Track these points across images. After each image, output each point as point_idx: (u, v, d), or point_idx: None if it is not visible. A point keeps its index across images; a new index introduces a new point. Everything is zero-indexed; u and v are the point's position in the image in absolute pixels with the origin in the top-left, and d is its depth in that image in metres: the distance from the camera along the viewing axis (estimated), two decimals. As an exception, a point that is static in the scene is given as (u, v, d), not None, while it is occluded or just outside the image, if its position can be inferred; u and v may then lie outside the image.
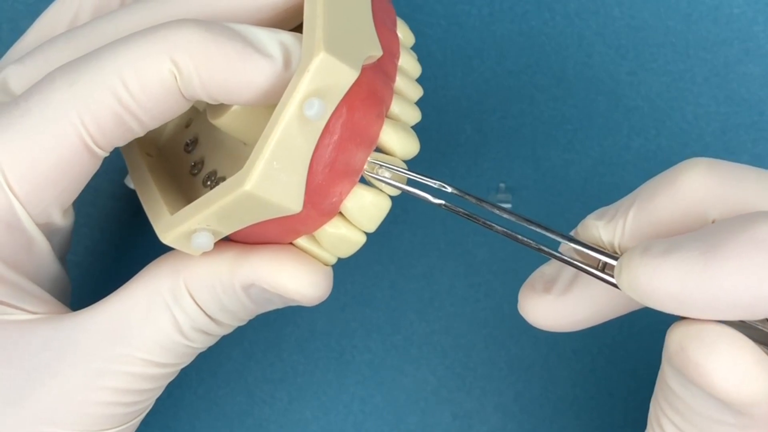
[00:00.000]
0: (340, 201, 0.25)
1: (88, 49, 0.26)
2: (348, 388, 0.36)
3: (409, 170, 0.25)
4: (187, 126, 0.31)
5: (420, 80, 0.28)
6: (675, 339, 0.21)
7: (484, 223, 0.25)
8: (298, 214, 0.24)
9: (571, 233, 0.25)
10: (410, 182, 0.25)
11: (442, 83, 0.38)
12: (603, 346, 0.35)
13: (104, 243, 0.37)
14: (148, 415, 0.29)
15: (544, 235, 0.24)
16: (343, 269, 0.30)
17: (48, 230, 0.27)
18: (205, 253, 0.26)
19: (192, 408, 0.36)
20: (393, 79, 0.26)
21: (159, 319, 0.26)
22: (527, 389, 0.35)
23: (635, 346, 0.35)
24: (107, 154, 0.25)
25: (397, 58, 0.27)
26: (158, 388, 0.27)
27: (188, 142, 0.30)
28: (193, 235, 0.24)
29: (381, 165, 0.25)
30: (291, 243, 0.26)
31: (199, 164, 0.29)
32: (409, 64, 0.27)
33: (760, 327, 0.22)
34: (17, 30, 0.39)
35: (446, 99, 0.38)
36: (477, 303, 0.36)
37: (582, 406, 0.35)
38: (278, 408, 0.35)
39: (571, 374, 0.35)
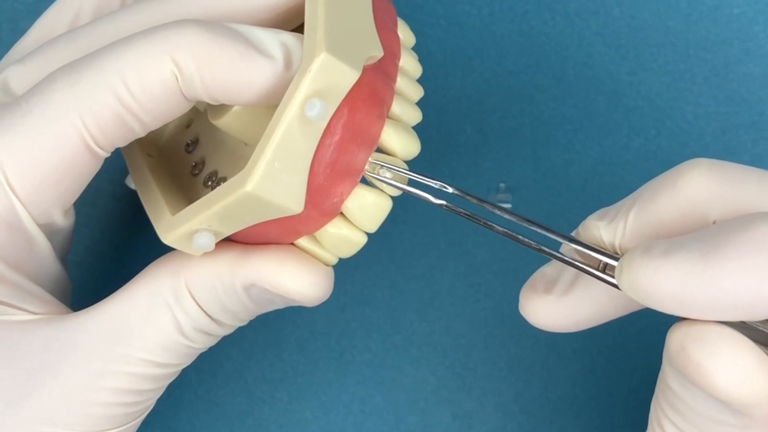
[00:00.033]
0: (341, 201, 0.25)
1: (89, 50, 0.26)
2: (348, 388, 0.36)
3: (410, 170, 0.25)
4: (188, 126, 0.31)
5: (420, 80, 0.28)
6: (676, 339, 0.21)
7: (485, 223, 0.25)
8: (300, 215, 0.24)
9: (572, 234, 0.25)
10: (411, 182, 0.25)
11: (442, 83, 0.38)
12: (603, 346, 0.35)
13: (104, 243, 0.37)
14: (148, 415, 0.29)
15: (544, 235, 0.24)
16: (343, 269, 0.30)
17: (49, 230, 0.27)
18: (206, 254, 0.26)
19: (192, 408, 0.36)
20: (394, 80, 0.26)
21: (160, 320, 0.26)
22: (527, 389, 0.35)
23: (635, 346, 0.35)
24: (108, 155, 0.25)
25: (398, 59, 0.27)
26: (159, 388, 0.27)
27: (189, 142, 0.30)
28: (194, 236, 0.24)
29: (382, 165, 0.25)
30: (292, 243, 0.26)
31: (200, 165, 0.29)
32: (409, 64, 0.27)
33: (760, 328, 0.22)
34: (17, 30, 0.39)
35: (446, 99, 0.38)
36: (477, 303, 0.36)
37: (582, 406, 0.35)
38: (278, 408, 0.35)
39: (571, 374, 0.35)
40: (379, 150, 0.25)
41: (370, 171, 0.25)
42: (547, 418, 0.35)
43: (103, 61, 0.24)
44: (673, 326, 0.22)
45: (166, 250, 0.26)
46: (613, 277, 0.23)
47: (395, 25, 0.27)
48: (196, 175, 0.29)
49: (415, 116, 0.27)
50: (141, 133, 0.25)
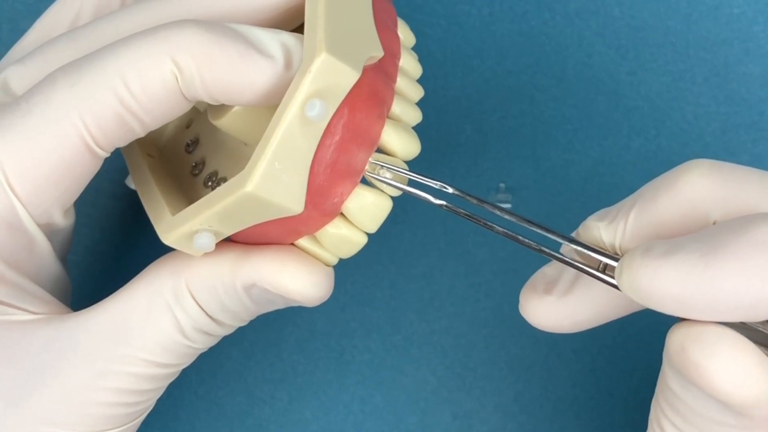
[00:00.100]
0: (342, 201, 0.25)
1: (89, 50, 0.26)
2: (348, 388, 0.36)
3: (410, 171, 0.25)
4: (188, 126, 0.31)
5: (420, 80, 0.28)
6: (676, 340, 0.21)
7: (485, 224, 0.25)
8: (300, 215, 0.24)
9: (572, 234, 0.25)
10: (411, 183, 0.25)
11: (442, 83, 0.38)
12: (603, 346, 0.35)
13: (104, 243, 0.37)
14: (148, 415, 0.29)
15: (544, 235, 0.24)
16: (343, 269, 0.30)
17: (49, 230, 0.27)
18: (206, 254, 0.26)
19: (192, 408, 0.36)
20: (394, 80, 0.26)
21: (160, 320, 0.26)
22: (527, 389, 0.35)
23: (635, 346, 0.35)
24: (108, 155, 0.25)
25: (398, 59, 0.27)
26: (159, 388, 0.27)
27: (189, 142, 0.30)
28: (194, 236, 0.24)
29: (382, 165, 0.25)
30: (292, 243, 0.26)
31: (200, 165, 0.29)
32: (410, 64, 0.27)
33: (760, 328, 0.22)
34: (17, 30, 0.39)
35: (446, 99, 0.38)
36: (477, 303, 0.36)
37: (582, 406, 0.35)
38: (278, 408, 0.35)
39: (571, 374, 0.35)
40: (380, 150, 0.25)
41: (370, 171, 0.25)
42: (547, 418, 0.35)
43: (104, 62, 0.24)
44: (673, 327, 0.22)
45: (166, 250, 0.26)
46: (613, 277, 0.23)
47: (395, 25, 0.27)
48: (196, 175, 0.29)
49: (415, 116, 0.27)
50: (141, 133, 0.25)
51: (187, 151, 0.30)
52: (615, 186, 0.37)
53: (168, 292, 0.26)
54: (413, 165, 0.26)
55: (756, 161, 0.37)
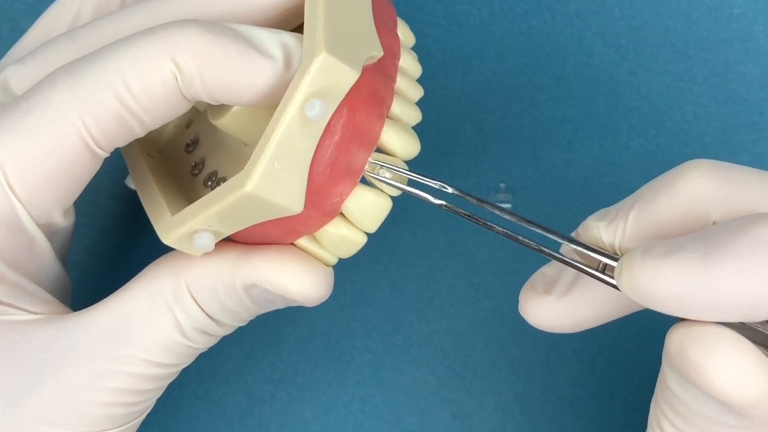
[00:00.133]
0: (341, 201, 0.25)
1: (89, 50, 0.26)
2: (348, 388, 0.36)
3: (409, 170, 0.25)
4: (188, 126, 0.31)
5: (420, 80, 0.28)
6: (675, 340, 0.21)
7: (485, 224, 0.25)
8: (300, 215, 0.24)
9: (572, 234, 0.25)
10: (411, 182, 0.25)
11: (442, 83, 0.38)
12: (603, 346, 0.35)
13: (104, 243, 0.37)
14: (148, 415, 0.29)
15: (544, 235, 0.24)
16: (343, 269, 0.30)
17: (49, 230, 0.27)
18: (206, 254, 0.26)
19: (192, 408, 0.36)
20: (394, 80, 0.26)
21: (160, 320, 0.26)
22: (527, 389, 0.35)
23: (635, 346, 0.35)
24: (108, 155, 0.25)
25: (398, 59, 0.27)
26: (159, 388, 0.27)
27: (189, 142, 0.30)
28: (194, 236, 0.24)
29: (382, 165, 0.25)
30: (292, 243, 0.26)
31: (200, 165, 0.29)
32: (409, 64, 0.27)
33: (760, 329, 0.22)
34: (17, 30, 0.39)
35: (446, 99, 0.38)
36: (477, 303, 0.36)
37: (582, 406, 0.35)
38: (278, 408, 0.35)
39: (571, 374, 0.35)
40: (379, 150, 0.25)
41: (370, 171, 0.25)
42: (547, 418, 0.35)
43: (104, 61, 0.24)
44: (672, 327, 0.22)
45: (166, 250, 0.26)
46: (612, 277, 0.23)
47: (395, 25, 0.27)
48: (196, 175, 0.29)
49: (415, 116, 0.27)
50: (141, 133, 0.25)
51: (186, 151, 0.30)
52: (615, 186, 0.37)
53: (168, 292, 0.26)
54: (413, 165, 0.26)
55: (756, 161, 0.37)
